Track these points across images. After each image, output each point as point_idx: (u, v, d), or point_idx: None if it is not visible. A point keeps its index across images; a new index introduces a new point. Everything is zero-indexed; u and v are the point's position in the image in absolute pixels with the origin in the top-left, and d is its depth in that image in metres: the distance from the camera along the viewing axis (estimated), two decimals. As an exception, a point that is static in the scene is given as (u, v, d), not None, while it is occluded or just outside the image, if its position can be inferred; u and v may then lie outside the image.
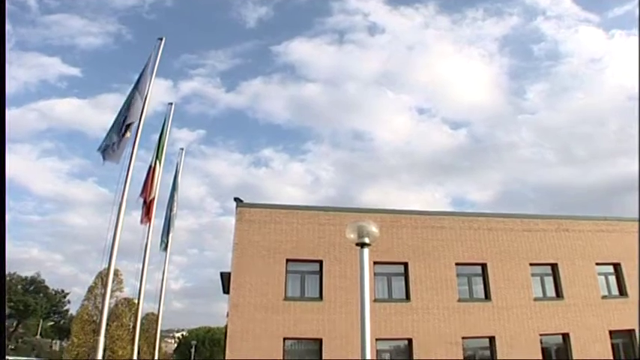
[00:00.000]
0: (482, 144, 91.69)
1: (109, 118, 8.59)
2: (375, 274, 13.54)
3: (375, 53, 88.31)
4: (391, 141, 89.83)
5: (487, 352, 13.74)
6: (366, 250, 4.16)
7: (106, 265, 6.83)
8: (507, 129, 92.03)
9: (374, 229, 4.28)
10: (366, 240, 4.26)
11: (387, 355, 13.60)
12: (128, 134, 8.22)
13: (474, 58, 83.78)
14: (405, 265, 14.14)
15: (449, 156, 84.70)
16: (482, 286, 14.27)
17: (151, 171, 10.69)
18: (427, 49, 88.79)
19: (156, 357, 15.55)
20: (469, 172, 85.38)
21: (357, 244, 4.20)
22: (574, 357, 13.78)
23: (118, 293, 24.79)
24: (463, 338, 13.61)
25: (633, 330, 14.47)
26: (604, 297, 14.60)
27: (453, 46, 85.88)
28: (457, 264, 14.31)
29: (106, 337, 6.75)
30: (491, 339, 13.71)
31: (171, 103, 11.31)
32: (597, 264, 14.85)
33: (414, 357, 13.25)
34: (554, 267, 14.53)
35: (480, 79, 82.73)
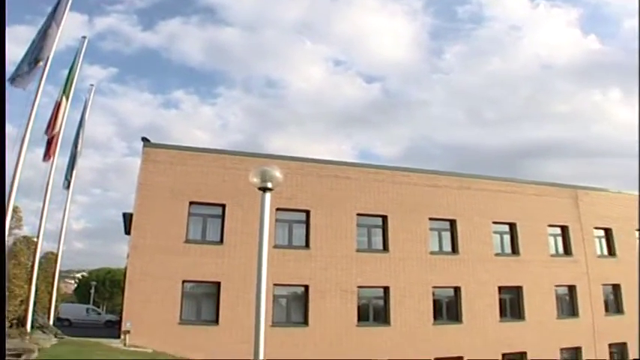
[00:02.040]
0: (394, 99, 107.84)
1: (21, 52, 10.86)
2: (277, 220, 17.08)
3: (298, 1, 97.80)
4: (303, 90, 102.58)
5: (381, 302, 17.94)
6: (268, 195, 5.01)
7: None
8: (421, 87, 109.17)
9: (277, 174, 5.07)
10: (269, 185, 5.04)
11: (283, 301, 17.23)
12: (40, 63, 10.54)
13: (398, 14, 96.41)
14: (307, 213, 17.90)
15: (360, 109, 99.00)
16: (381, 237, 18.37)
17: (56, 106, 13.02)
18: (351, 1, 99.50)
19: (54, 297, 17.62)
20: (378, 127, 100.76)
21: (259, 189, 5.01)
22: (463, 309, 18.47)
23: (16, 231, 25.83)
24: (359, 287, 17.64)
25: (521, 287, 19.63)
26: (497, 254, 19.75)
27: (377, 0, 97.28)
28: (358, 214, 18.40)
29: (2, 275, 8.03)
30: (386, 289, 17.94)
31: (85, 37, 13.68)
32: (494, 222, 19.91)
33: (310, 303, 16.95)
34: (452, 223, 19.31)
35: (401, 36, 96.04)
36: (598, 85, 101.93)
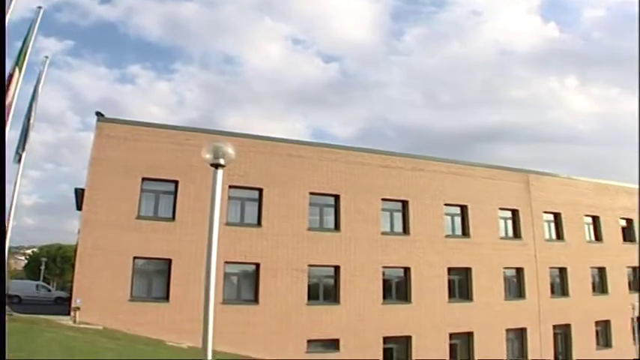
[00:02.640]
0: (351, 80, 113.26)
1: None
2: (229, 198, 18.25)
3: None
4: (261, 68, 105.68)
5: (331, 281, 19.55)
6: (220, 172, 5.29)
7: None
8: (379, 68, 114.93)
9: (230, 150, 5.36)
10: (221, 161, 5.31)
11: (234, 279, 18.58)
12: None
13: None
14: (260, 191, 19.12)
15: (317, 88, 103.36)
16: (333, 217, 19.86)
17: (8, 78, 13.55)
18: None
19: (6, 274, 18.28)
20: (334, 107, 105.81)
21: (211, 165, 5.29)
22: (412, 289, 20.31)
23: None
24: (309, 266, 19.10)
25: (470, 268, 21.65)
26: (447, 236, 21.68)
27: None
28: (311, 193, 19.85)
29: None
30: (337, 268, 19.55)
31: (40, 7, 14.15)
32: (446, 204, 21.79)
33: (261, 281, 18.35)
34: (404, 204, 21.08)
35: (362, 16, 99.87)
36: (555, 72, 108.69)
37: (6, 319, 5.88)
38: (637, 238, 28.76)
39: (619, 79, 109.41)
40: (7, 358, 5.58)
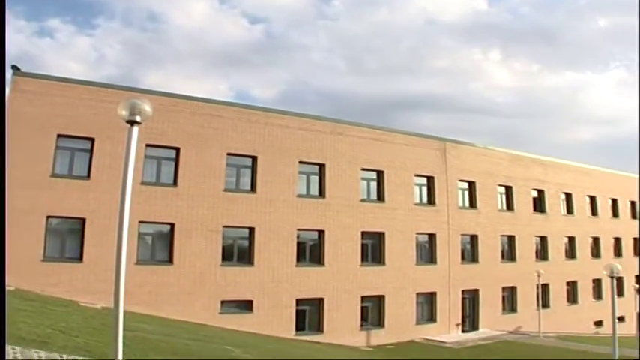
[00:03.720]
0: (276, 42, 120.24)
1: None
2: (146, 156, 20.63)
3: None
4: (184, 26, 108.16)
5: (246, 242, 22.67)
6: (135, 129, 5.88)
7: None
8: (304, 31, 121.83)
9: (147, 107, 5.93)
10: (138, 118, 5.88)
11: (149, 239, 21.15)
12: None
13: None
14: (177, 150, 21.66)
15: (241, 49, 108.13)
16: (250, 178, 22.80)
17: None
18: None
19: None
20: (257, 69, 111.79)
21: (127, 122, 5.87)
22: (326, 252, 23.84)
23: None
24: (224, 227, 21.99)
25: (384, 233, 25.49)
26: (363, 200, 25.34)
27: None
28: (229, 154, 22.70)
29: None
30: (251, 230, 22.66)
31: None
32: (362, 169, 25.39)
33: (175, 242, 21.06)
34: (321, 167, 24.49)
35: None
36: (480, 44, 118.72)
37: (6, 318, 6.66)
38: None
39: (541, 56, 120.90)
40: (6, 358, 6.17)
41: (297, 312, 23.91)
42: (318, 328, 24.35)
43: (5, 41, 6.91)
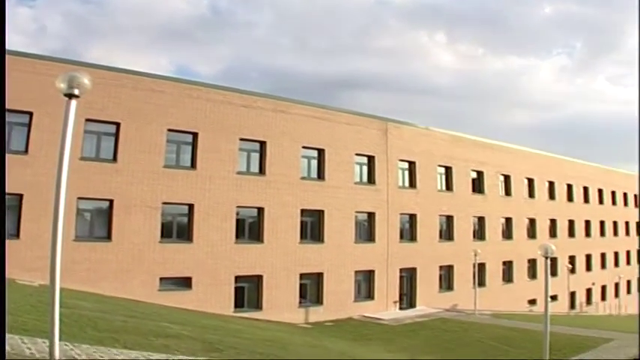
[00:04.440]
0: (221, 17, 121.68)
1: None
2: (85, 131, 21.42)
3: None
4: (128, 0, 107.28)
5: (185, 219, 23.92)
6: (73, 102, 6.10)
7: None
8: (250, 7, 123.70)
9: (86, 81, 6.15)
10: (76, 91, 6.07)
11: (87, 215, 22.12)
12: None
13: None
14: (118, 125, 22.63)
15: (185, 24, 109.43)
16: (190, 154, 24.00)
17: None
18: None
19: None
20: (201, 44, 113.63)
21: (65, 95, 6.08)
22: (265, 230, 25.41)
23: None
24: (164, 203, 23.20)
25: (323, 211, 27.21)
26: (303, 178, 27.00)
27: None
28: (170, 130, 23.88)
29: None
30: (191, 206, 23.92)
31: None
32: (304, 147, 27.00)
33: (114, 218, 22.15)
34: (262, 144, 25.93)
35: None
36: (426, 26, 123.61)
37: (6, 319, 6.82)
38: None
39: (485, 40, 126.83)
40: (6, 357, 6.30)
41: (236, 289, 25.46)
42: (257, 306, 26.01)
43: (5, 41, 7.24)
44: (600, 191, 55.31)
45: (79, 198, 21.08)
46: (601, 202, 55.41)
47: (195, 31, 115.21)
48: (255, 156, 26.50)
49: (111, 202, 22.57)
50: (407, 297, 32.72)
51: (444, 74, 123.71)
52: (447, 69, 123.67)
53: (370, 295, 30.68)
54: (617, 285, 53.13)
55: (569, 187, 49.73)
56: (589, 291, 51.47)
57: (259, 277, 26.13)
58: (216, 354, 10.43)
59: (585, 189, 52.47)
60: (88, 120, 21.16)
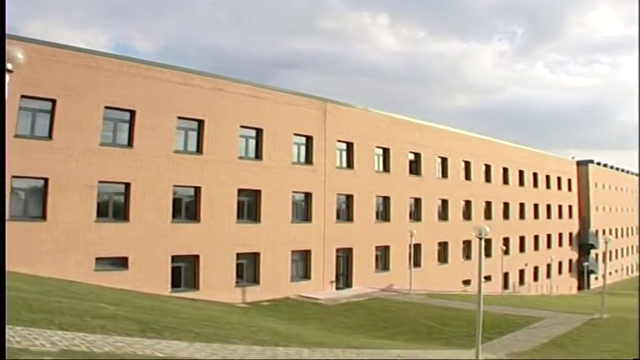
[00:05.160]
0: None
1: None
2: (20, 108, 22.07)
3: None
4: None
5: (121, 198, 24.99)
6: (6, 77, 6.34)
7: None
8: None
9: (19, 55, 6.40)
10: (9, 66, 6.26)
11: (22, 194, 22.87)
12: None
13: None
14: (54, 102, 23.70)
15: (125, 1, 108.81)
16: (127, 132, 24.99)
17: None
18: None
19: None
20: (140, 20, 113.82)
21: None
22: (202, 208, 26.68)
23: None
24: (100, 182, 24.20)
25: (260, 190, 28.70)
26: (241, 157, 28.39)
27: None
28: (106, 107, 24.74)
29: None
30: (127, 185, 25.03)
31: None
32: (242, 126, 28.33)
33: (49, 197, 23.04)
34: (200, 123, 27.18)
35: None
36: (369, 8, 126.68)
37: (6, 318, 6.92)
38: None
39: (428, 23, 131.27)
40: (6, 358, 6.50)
41: (173, 269, 26.70)
42: (194, 285, 27.31)
43: (5, 40, 7.59)
44: (535, 175, 59.08)
45: (14, 177, 21.56)
46: (535, 185, 59.20)
47: (134, 7, 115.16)
48: (193, 135, 27.66)
49: (46, 180, 23.21)
50: (343, 277, 34.78)
51: (386, 56, 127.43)
52: (389, 51, 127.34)
53: (307, 275, 32.57)
54: (549, 266, 56.97)
55: (505, 170, 53.04)
56: (522, 272, 55.28)
57: (196, 257, 27.40)
58: (153, 334, 10.93)
59: (521, 172, 56.06)
60: (23, 97, 21.85)
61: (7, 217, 21.18)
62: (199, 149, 27.75)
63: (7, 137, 6.68)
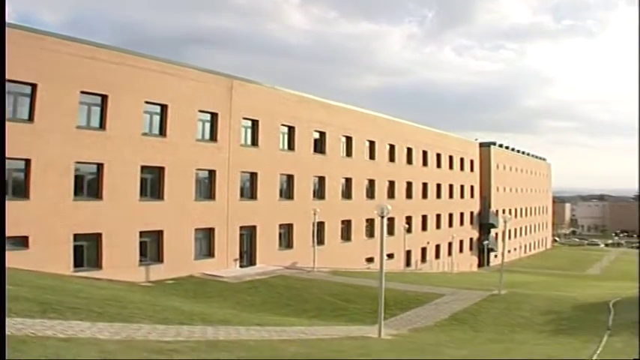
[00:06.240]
0: None
1: None
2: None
3: None
4: None
5: (21, 175, 25.98)
6: None
7: None
8: None
9: None
10: None
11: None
12: None
13: None
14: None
15: None
16: (28, 107, 25.62)
17: None
18: None
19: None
20: None
21: None
22: (104, 186, 27.77)
23: None
24: (-4, 157, 24.60)
25: (164, 168, 29.93)
26: (145, 134, 29.46)
27: None
28: (7, 81, 24.76)
29: None
30: (27, 161, 25.86)
31: None
32: (147, 102, 29.45)
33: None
34: (104, 98, 28.04)
35: None
36: None
37: (6, 317, 7.27)
38: None
39: (338, 5, 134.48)
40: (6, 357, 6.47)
41: (75, 248, 27.38)
42: (97, 264, 28.18)
43: (5, 40, 7.97)
44: (439, 155, 62.95)
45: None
46: (439, 165, 63.10)
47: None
48: (96, 110, 28.40)
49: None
50: (247, 255, 36.68)
51: (297, 35, 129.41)
52: (300, 30, 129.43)
53: (211, 253, 34.21)
54: (450, 244, 61.20)
55: (409, 150, 56.40)
56: (424, 250, 59.15)
57: (99, 235, 28.22)
58: (55, 314, 11.34)
59: (425, 153, 59.70)
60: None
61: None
62: (102, 125, 28.52)
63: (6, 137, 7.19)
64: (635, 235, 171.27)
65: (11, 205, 25.03)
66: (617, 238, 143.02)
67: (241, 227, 35.92)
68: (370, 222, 47.76)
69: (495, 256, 75.45)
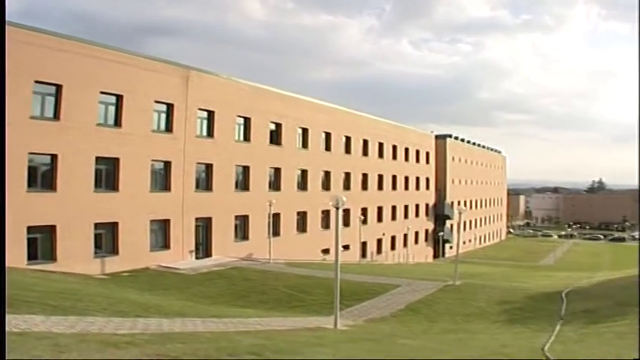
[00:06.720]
0: None
1: None
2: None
3: None
4: None
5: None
6: None
7: None
8: None
9: None
10: None
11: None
12: None
13: None
14: None
15: None
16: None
17: None
18: None
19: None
20: None
21: None
22: (58, 177, 28.08)
23: None
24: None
25: (118, 159, 30.34)
26: (99, 124, 29.82)
27: None
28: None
29: None
30: (-21, 151, 25.61)
31: None
32: (101, 92, 29.83)
33: None
34: (59, 88, 28.48)
35: None
36: None
37: (6, 317, 7.22)
38: None
39: None
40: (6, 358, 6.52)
41: (29, 240, 27.43)
42: (51, 257, 28.37)
43: (5, 40, 8.02)
44: (395, 147, 64.33)
45: None
46: (395, 157, 64.50)
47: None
48: (51, 100, 28.54)
49: None
50: (203, 246, 37.30)
51: (253, 26, 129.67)
52: (257, 21, 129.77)
53: (166, 245, 34.74)
54: (405, 236, 62.54)
55: (365, 142, 57.61)
56: (380, 241, 60.56)
57: (53, 228, 28.42)
58: (11, 309, 11.04)
59: (380, 145, 61.01)
60: None
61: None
62: (56, 115, 28.70)
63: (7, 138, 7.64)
64: (587, 227, 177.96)
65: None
66: (570, 229, 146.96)
67: (197, 219, 36.49)
68: (326, 213, 48.80)
69: (450, 247, 77.18)
